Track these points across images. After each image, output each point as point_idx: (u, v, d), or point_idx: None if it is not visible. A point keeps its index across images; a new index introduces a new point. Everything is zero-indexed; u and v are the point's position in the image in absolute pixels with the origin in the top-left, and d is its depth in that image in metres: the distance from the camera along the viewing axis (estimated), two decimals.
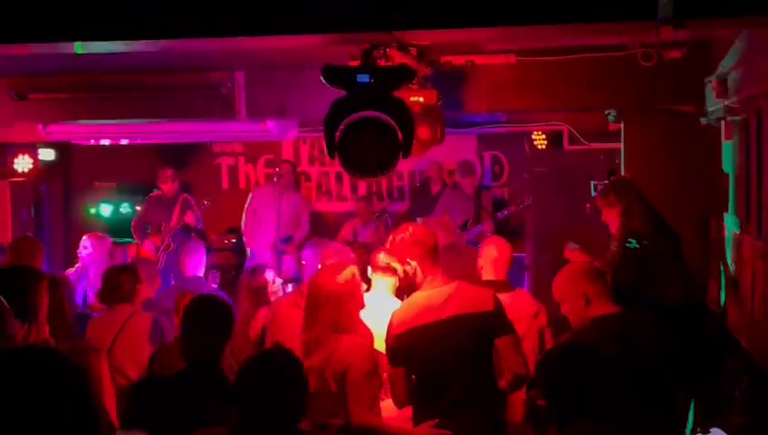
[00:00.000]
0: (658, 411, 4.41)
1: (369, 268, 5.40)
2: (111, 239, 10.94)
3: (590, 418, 4.37)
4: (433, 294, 4.54)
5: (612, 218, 6.28)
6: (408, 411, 5.15)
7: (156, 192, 10.37)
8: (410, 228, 4.72)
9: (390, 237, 4.78)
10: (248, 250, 10.89)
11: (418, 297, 4.60)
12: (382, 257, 5.30)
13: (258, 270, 6.90)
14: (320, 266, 5.49)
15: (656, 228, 6.13)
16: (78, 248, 8.46)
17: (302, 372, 3.45)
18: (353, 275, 4.58)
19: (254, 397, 3.32)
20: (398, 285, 5.35)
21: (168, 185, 10.20)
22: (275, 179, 11.00)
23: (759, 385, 5.40)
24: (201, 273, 7.26)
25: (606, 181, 7.57)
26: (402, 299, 5.09)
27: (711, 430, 3.39)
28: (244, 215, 10.82)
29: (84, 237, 8.40)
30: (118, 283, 6.06)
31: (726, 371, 5.97)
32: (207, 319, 4.16)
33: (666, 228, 6.20)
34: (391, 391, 4.56)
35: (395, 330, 4.50)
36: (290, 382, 3.37)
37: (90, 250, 8.24)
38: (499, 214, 10.66)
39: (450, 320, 4.47)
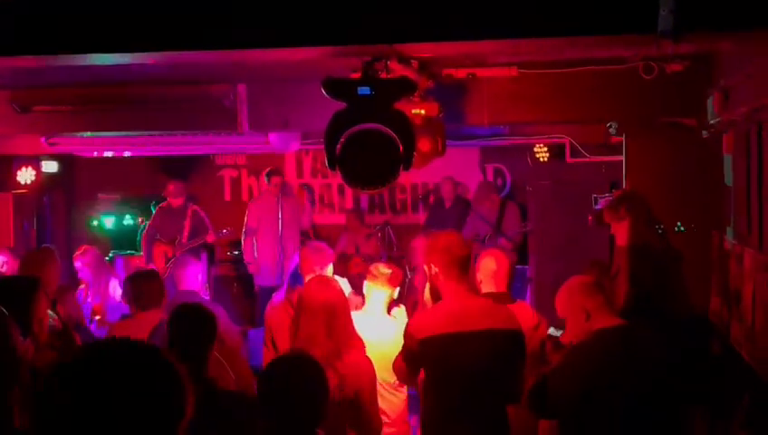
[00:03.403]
0: (660, 424, 4.40)
1: (365, 284, 5.38)
2: (113, 251, 11.02)
3: (593, 424, 4.39)
4: (462, 305, 4.49)
5: (621, 231, 6.27)
6: (405, 414, 5.20)
7: (164, 203, 10.45)
8: (445, 235, 4.70)
9: (424, 243, 4.78)
10: (250, 263, 10.91)
11: (445, 306, 4.52)
12: (382, 269, 5.30)
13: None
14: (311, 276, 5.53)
15: (663, 243, 6.15)
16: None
17: (324, 377, 3.49)
18: (340, 287, 4.65)
19: (279, 400, 3.37)
20: (395, 297, 5.35)
21: (173, 199, 10.32)
22: (268, 189, 11.03)
23: (761, 399, 5.39)
24: (197, 287, 7.22)
25: (609, 194, 7.59)
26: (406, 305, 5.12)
27: None
28: (243, 230, 10.88)
29: (76, 263, 8.26)
30: (146, 287, 6.10)
31: (728, 384, 5.96)
32: (187, 327, 4.22)
33: (670, 244, 6.22)
34: (394, 367, 4.64)
35: (419, 334, 4.42)
36: (314, 387, 3.42)
37: (83, 268, 8.18)
38: (523, 225, 10.69)
39: (481, 333, 4.43)
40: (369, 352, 4.56)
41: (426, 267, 4.62)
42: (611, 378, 4.39)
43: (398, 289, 5.40)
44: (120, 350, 1.76)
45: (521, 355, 4.57)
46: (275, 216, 10.61)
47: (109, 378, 1.70)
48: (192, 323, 4.24)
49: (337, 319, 4.42)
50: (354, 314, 4.91)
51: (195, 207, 10.47)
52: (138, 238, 11.03)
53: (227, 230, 10.63)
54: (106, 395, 1.68)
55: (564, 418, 4.55)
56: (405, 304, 6.12)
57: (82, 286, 8.14)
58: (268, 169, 11.21)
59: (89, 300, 7.97)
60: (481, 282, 5.64)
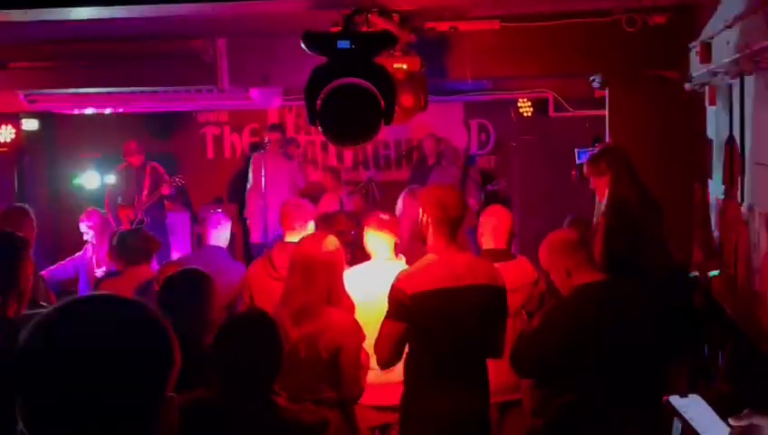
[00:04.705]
0: (643, 378, 4.42)
1: (367, 233, 5.33)
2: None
3: (577, 380, 4.42)
4: (449, 260, 4.45)
5: (601, 187, 6.26)
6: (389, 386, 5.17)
7: (122, 164, 10.38)
8: (443, 190, 4.63)
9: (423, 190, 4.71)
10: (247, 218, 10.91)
11: (433, 261, 4.48)
12: (383, 216, 5.27)
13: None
14: (295, 232, 5.50)
15: (643, 198, 6.13)
16: (68, 227, 8.36)
17: (275, 334, 3.49)
18: (337, 243, 4.58)
19: (230, 359, 3.38)
20: (398, 242, 5.32)
21: (133, 157, 10.26)
22: (266, 146, 10.95)
23: (743, 351, 5.42)
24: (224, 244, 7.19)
25: (592, 149, 7.56)
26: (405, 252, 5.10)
27: (689, 395, 3.40)
28: (248, 183, 10.91)
29: (82, 225, 8.19)
30: (131, 243, 6.10)
31: (711, 338, 6.00)
32: (186, 291, 4.28)
33: (650, 199, 6.20)
34: (376, 347, 4.47)
35: (411, 289, 4.36)
36: (262, 344, 3.43)
37: (89, 230, 8.14)
38: (489, 186, 10.70)
39: (469, 288, 4.41)
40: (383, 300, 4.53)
41: (420, 211, 4.57)
42: (592, 333, 4.40)
43: (395, 237, 5.35)
44: (99, 303, 1.73)
45: (503, 312, 4.57)
46: (260, 173, 10.54)
47: (88, 332, 1.66)
48: (188, 288, 4.31)
49: (317, 275, 4.40)
50: (362, 267, 4.88)
51: (153, 163, 10.41)
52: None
53: (179, 178, 10.53)
54: (86, 348, 1.65)
55: (548, 375, 4.56)
56: None
57: (87, 247, 8.12)
58: (270, 124, 11.20)
59: (94, 261, 7.96)
60: (482, 236, 5.63)
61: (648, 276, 5.60)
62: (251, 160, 11.11)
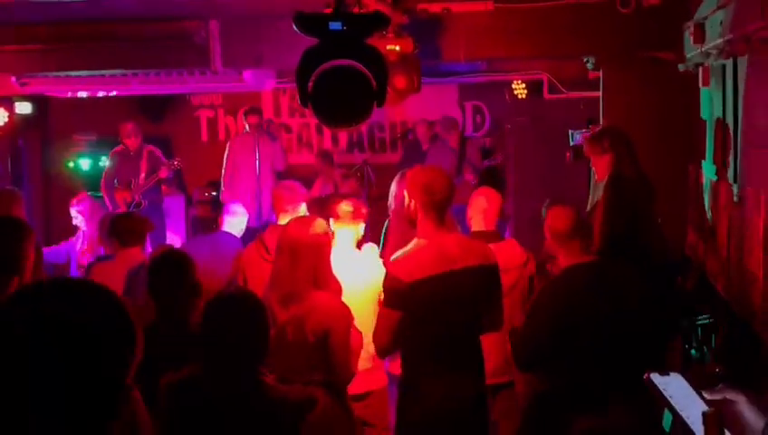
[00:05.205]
0: (634, 359, 4.42)
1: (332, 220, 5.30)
2: (90, 193, 10.91)
3: (568, 362, 4.42)
4: (441, 243, 4.42)
5: (601, 166, 6.24)
6: (381, 372, 5.17)
7: (119, 147, 10.31)
8: (428, 172, 4.59)
9: (408, 173, 4.67)
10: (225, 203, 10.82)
11: (425, 245, 4.44)
12: (344, 206, 5.24)
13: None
14: (288, 215, 5.49)
15: (641, 179, 6.13)
16: (62, 210, 8.32)
17: (261, 315, 3.52)
18: (325, 227, 4.57)
19: (212, 338, 3.42)
20: (361, 234, 5.31)
21: (131, 139, 10.17)
22: (247, 129, 10.87)
23: (735, 332, 5.43)
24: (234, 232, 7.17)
25: (586, 130, 7.54)
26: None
27: (669, 373, 3.42)
28: (223, 168, 10.76)
29: (72, 210, 8.13)
30: (123, 225, 6.11)
31: (703, 319, 6.00)
32: (173, 272, 4.36)
33: (647, 180, 6.20)
34: (374, 337, 4.46)
35: (408, 277, 4.31)
36: (248, 325, 3.46)
37: (78, 215, 8.09)
38: (486, 162, 10.68)
39: (464, 270, 4.39)
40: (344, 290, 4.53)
41: (406, 195, 4.55)
42: (582, 314, 4.40)
43: (362, 225, 5.33)
44: (59, 288, 1.72)
45: (498, 287, 4.57)
46: (253, 156, 10.48)
47: (47, 316, 1.65)
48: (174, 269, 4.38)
49: (302, 258, 4.38)
50: None
51: (150, 147, 10.33)
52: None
53: (178, 161, 10.49)
54: (43, 333, 1.64)
55: (547, 362, 4.57)
56: (385, 245, 6.08)
57: (80, 233, 8.09)
58: (246, 108, 11.07)
59: (84, 246, 7.93)
60: (471, 218, 5.62)
61: (643, 257, 5.60)
62: (228, 145, 10.92)
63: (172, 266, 4.44)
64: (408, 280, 4.31)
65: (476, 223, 5.59)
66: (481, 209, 5.60)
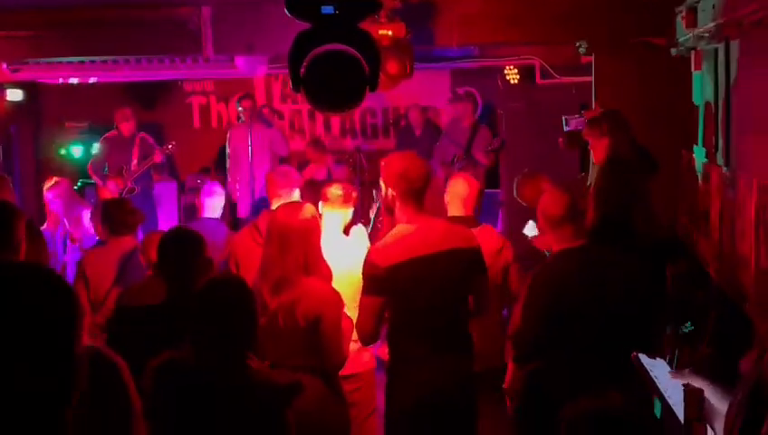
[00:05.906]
0: (626, 342, 4.43)
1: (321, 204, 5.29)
2: (81, 180, 10.89)
3: (557, 348, 4.44)
4: (420, 228, 4.45)
5: (599, 149, 6.24)
6: (369, 353, 5.17)
7: (112, 132, 10.27)
8: (402, 159, 4.60)
9: (383, 162, 4.67)
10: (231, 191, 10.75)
11: (404, 230, 4.47)
12: (334, 190, 5.24)
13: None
14: (281, 200, 5.48)
15: (643, 157, 6.14)
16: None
17: (249, 300, 3.56)
18: (314, 212, 4.57)
19: (200, 320, 3.46)
20: (350, 218, 5.30)
21: (126, 124, 10.13)
22: (241, 117, 10.87)
23: (728, 317, 5.44)
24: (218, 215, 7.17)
25: (579, 116, 7.55)
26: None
27: (656, 358, 3.46)
28: (227, 158, 10.78)
29: (45, 193, 8.05)
30: (116, 212, 6.12)
31: (696, 302, 6.01)
32: (181, 252, 4.47)
33: (649, 159, 6.21)
34: (357, 324, 4.49)
35: (385, 262, 4.35)
36: (236, 309, 3.50)
37: (54, 199, 8.00)
38: (494, 142, 10.62)
39: (445, 253, 4.41)
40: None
41: (382, 184, 4.57)
42: (573, 298, 4.42)
43: (351, 209, 5.33)
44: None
45: (483, 270, 4.60)
46: (246, 143, 10.47)
47: None
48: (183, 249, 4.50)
49: (292, 244, 4.37)
50: None
51: (142, 133, 10.30)
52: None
53: (172, 145, 10.47)
54: None
55: (545, 351, 4.58)
56: (374, 230, 6.09)
57: (53, 217, 8.03)
58: (239, 95, 11.05)
59: (59, 232, 7.88)
60: (449, 203, 5.62)
61: (635, 241, 5.61)
62: (228, 135, 10.96)
63: (185, 243, 4.52)
64: (384, 265, 4.34)
65: (454, 208, 5.59)
66: (459, 194, 5.59)
